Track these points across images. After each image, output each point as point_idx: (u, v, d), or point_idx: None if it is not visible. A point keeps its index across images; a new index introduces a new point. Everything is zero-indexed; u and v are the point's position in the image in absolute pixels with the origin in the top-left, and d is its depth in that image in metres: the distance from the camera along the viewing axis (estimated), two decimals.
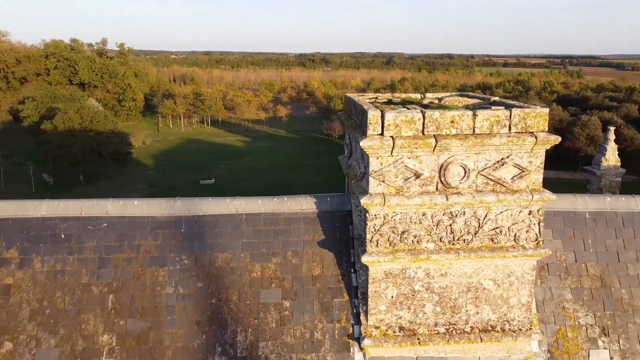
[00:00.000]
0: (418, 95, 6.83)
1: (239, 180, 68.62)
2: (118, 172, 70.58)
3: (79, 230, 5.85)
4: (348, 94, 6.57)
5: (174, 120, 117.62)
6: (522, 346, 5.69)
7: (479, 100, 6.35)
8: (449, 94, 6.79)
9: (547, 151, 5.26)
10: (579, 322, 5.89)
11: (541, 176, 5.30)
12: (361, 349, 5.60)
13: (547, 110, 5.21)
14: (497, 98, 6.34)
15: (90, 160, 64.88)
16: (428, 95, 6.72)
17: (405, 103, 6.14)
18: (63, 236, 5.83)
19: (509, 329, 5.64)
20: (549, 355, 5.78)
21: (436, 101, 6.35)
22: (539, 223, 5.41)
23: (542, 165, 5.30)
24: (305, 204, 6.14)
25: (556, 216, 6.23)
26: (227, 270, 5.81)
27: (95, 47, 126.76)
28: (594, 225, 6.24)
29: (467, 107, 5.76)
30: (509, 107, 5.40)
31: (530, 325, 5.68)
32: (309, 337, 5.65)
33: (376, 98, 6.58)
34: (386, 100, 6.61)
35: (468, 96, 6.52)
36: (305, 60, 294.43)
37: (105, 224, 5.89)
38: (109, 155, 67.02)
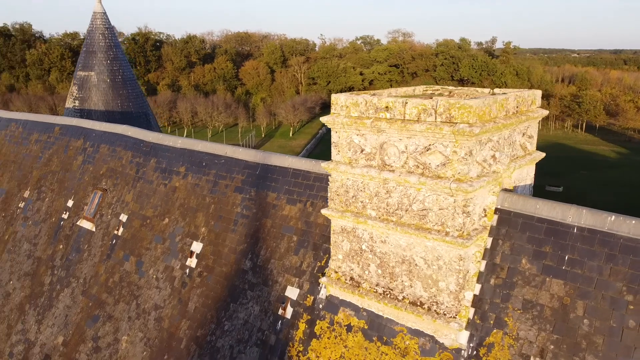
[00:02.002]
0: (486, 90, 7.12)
1: (589, 193, 62.03)
2: None
3: (210, 161, 9.13)
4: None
5: (543, 122, 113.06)
6: (448, 332, 5.81)
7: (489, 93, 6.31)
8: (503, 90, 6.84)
9: None
10: (517, 334, 5.43)
11: (468, 167, 5.38)
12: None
13: (473, 102, 5.25)
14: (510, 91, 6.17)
15: None
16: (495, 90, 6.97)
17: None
18: (204, 164, 9.24)
19: (435, 310, 5.87)
20: (474, 353, 5.65)
21: (446, 93, 6.68)
22: (462, 213, 5.49)
23: (470, 157, 5.37)
24: None
25: (540, 223, 5.68)
26: (270, 206, 8.01)
27: (483, 46, 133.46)
28: (578, 242, 5.39)
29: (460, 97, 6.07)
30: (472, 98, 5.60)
31: (456, 315, 5.75)
32: (298, 265, 7.33)
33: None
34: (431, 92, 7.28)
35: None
36: None
37: (223, 161, 8.98)
38: None
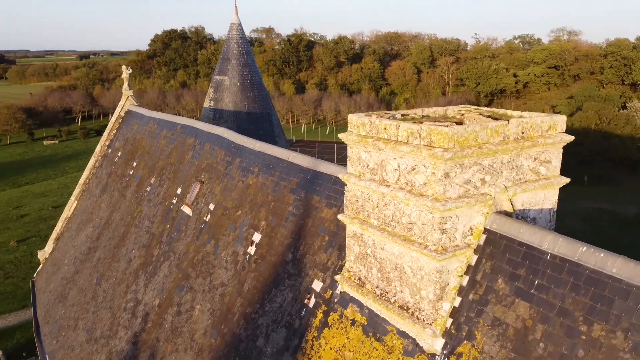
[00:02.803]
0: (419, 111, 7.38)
1: None
2: (626, 179, 66.65)
3: (276, 164, 10.43)
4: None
5: None
6: (426, 337, 6.32)
7: (465, 113, 6.56)
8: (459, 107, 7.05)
9: None
10: (482, 348, 5.74)
11: (444, 188, 5.86)
12: None
13: (448, 129, 5.71)
14: (486, 110, 6.38)
15: (596, 161, 64.45)
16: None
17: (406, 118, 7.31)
18: (271, 166, 10.57)
19: (416, 316, 6.41)
20: (445, 359, 6.07)
21: (420, 113, 7.04)
22: (439, 229, 5.97)
23: (447, 179, 5.84)
24: None
25: (519, 246, 5.85)
26: (313, 207, 9.04)
27: None
28: (549, 269, 5.48)
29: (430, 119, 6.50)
30: (458, 123, 6.07)
31: (432, 322, 6.23)
32: (325, 262, 8.27)
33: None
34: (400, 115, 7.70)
35: (474, 110, 6.81)
36: None
37: (285, 164, 10.21)
38: (619, 159, 64.28)
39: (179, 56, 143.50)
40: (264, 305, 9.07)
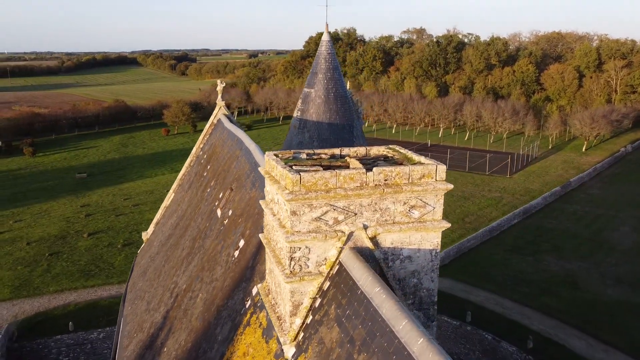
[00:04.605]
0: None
1: None
2: None
3: None
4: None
5: None
6: (285, 346, 7.51)
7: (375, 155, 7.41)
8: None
9: None
10: None
11: (291, 223, 7.03)
12: None
13: (292, 175, 6.84)
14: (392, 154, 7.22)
15: None
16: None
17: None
18: None
19: (282, 326, 7.63)
20: None
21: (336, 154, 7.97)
22: (289, 258, 7.15)
23: (295, 216, 6.99)
24: None
25: (349, 280, 6.74)
26: None
27: None
28: (356, 302, 6.30)
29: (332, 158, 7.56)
30: (368, 169, 7.19)
31: (287, 333, 7.41)
32: (264, 272, 9.74)
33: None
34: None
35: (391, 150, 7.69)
36: None
37: None
38: None
39: None
40: (228, 301, 10.83)
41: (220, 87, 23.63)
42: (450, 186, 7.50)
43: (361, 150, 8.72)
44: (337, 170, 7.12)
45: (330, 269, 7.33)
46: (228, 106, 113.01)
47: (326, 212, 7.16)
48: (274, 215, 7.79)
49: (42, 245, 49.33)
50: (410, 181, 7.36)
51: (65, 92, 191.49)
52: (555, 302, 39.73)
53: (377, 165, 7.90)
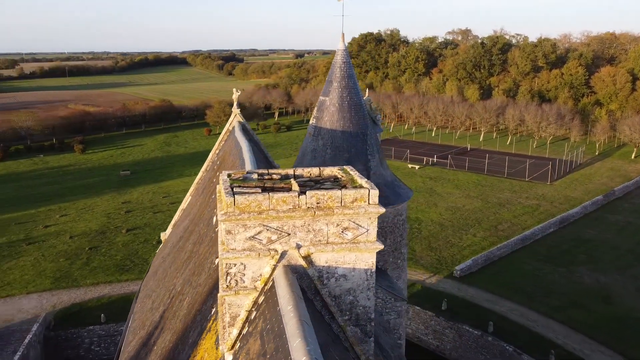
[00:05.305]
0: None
1: None
2: None
3: None
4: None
5: None
6: (224, 353, 8.09)
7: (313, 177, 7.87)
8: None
9: None
10: None
11: (228, 241, 7.60)
12: None
13: (227, 198, 7.41)
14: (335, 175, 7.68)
15: None
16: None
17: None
18: None
19: (224, 335, 8.21)
20: None
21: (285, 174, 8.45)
22: (225, 273, 7.72)
23: (230, 235, 7.56)
24: None
25: (274, 296, 7.24)
26: None
27: None
28: (274, 317, 6.79)
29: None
30: (303, 192, 7.73)
31: (225, 342, 7.99)
32: None
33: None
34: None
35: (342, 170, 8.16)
36: None
37: None
38: None
39: (371, 58, 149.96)
40: (203, 306, 11.54)
41: (235, 95, 24.51)
42: (382, 210, 7.85)
43: (314, 171, 9.18)
44: (271, 193, 7.63)
45: (265, 285, 7.85)
46: (269, 107, 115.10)
47: (260, 232, 7.69)
48: (218, 232, 8.38)
49: (83, 240, 52.11)
50: (342, 204, 7.77)
51: (117, 91, 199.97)
52: (584, 316, 38.55)
53: (324, 186, 8.37)
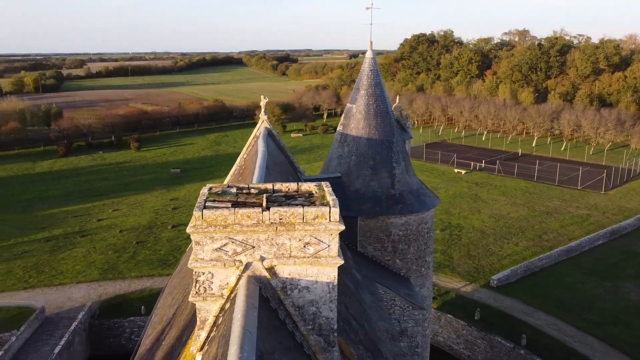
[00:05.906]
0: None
1: None
2: None
3: None
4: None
5: None
6: (195, 354, 8.76)
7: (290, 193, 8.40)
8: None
9: None
10: None
11: (197, 251, 8.27)
12: None
13: (197, 212, 8.06)
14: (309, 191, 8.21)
15: None
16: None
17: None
18: None
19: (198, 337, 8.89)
20: None
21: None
22: (195, 280, 8.39)
23: (199, 246, 8.22)
24: None
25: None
26: None
27: None
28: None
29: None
30: (283, 204, 8.36)
31: (196, 344, 8.65)
32: None
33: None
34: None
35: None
36: None
37: None
38: None
39: (422, 60, 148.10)
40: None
41: (263, 102, 25.31)
42: (342, 227, 8.27)
43: (292, 186, 9.69)
44: (237, 209, 8.22)
45: (231, 292, 8.46)
46: (318, 108, 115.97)
47: (226, 244, 8.30)
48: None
49: (131, 234, 54.90)
50: (304, 221, 8.26)
51: (174, 90, 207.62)
52: (626, 333, 36.90)
53: (294, 202, 8.89)
